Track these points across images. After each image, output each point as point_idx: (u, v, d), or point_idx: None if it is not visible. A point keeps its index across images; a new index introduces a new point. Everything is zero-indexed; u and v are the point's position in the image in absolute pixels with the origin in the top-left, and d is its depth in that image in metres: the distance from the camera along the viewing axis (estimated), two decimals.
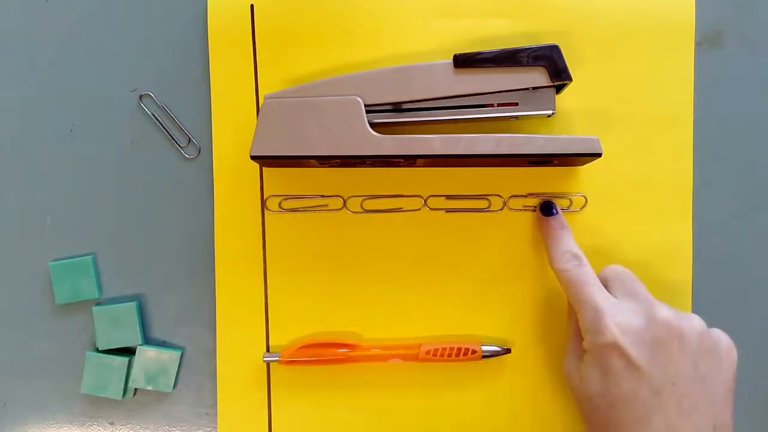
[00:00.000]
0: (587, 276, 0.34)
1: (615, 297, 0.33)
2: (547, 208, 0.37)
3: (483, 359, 0.37)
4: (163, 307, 0.39)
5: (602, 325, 0.32)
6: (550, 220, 0.37)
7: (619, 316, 0.32)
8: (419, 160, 0.36)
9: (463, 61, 0.34)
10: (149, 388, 0.39)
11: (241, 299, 0.39)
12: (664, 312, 0.32)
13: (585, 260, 0.35)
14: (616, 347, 0.31)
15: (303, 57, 0.38)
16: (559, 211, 0.37)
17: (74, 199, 0.39)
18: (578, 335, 0.34)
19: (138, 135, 0.39)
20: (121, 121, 0.39)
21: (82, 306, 0.39)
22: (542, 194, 0.38)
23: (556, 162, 0.37)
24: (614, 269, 0.35)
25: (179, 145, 0.39)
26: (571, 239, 0.36)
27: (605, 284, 0.34)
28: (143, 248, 0.39)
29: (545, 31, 0.38)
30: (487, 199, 0.39)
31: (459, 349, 0.37)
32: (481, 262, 0.39)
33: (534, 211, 0.38)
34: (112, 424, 0.40)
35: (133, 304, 0.39)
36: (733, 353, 0.32)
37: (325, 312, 0.39)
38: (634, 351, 0.31)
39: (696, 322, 0.32)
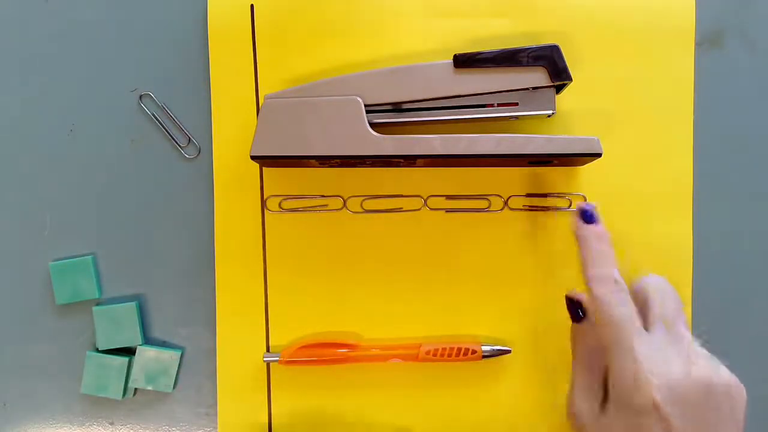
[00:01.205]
0: (625, 311, 0.30)
1: (652, 325, 0.30)
2: (587, 215, 0.32)
3: (483, 359, 0.37)
4: (163, 307, 0.39)
5: (640, 381, 0.28)
6: (590, 230, 0.32)
7: (657, 368, 0.28)
8: (419, 160, 0.36)
9: (463, 61, 0.34)
10: (149, 388, 0.39)
11: (241, 299, 0.39)
12: (702, 369, 0.29)
13: (623, 284, 0.31)
14: (655, 409, 0.28)
15: (303, 57, 0.38)
16: (600, 219, 0.32)
17: (74, 199, 0.39)
18: (593, 370, 0.32)
19: (138, 135, 0.39)
20: (121, 121, 0.39)
21: (82, 306, 0.39)
22: (542, 194, 0.38)
23: (556, 162, 0.37)
24: (657, 283, 0.32)
25: (179, 145, 0.39)
26: (611, 256, 0.32)
27: (642, 296, 0.31)
28: (143, 248, 0.39)
29: (545, 31, 0.38)
30: (487, 199, 0.39)
31: (459, 349, 0.37)
32: (481, 262, 0.39)
33: (531, 210, 0.38)
34: (112, 424, 0.40)
35: (133, 304, 0.39)
36: (743, 393, 0.30)
37: (325, 312, 0.39)
38: (675, 419, 0.28)
39: (725, 376, 0.30)
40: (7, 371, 0.40)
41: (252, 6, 0.38)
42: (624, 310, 0.30)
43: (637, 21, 0.38)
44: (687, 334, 0.30)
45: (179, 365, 0.39)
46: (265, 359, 0.38)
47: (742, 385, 0.30)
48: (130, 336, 0.39)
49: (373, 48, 0.38)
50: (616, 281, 0.31)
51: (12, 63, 0.39)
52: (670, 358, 0.29)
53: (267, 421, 0.39)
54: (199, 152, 0.39)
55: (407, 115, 0.36)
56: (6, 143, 0.40)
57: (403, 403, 0.39)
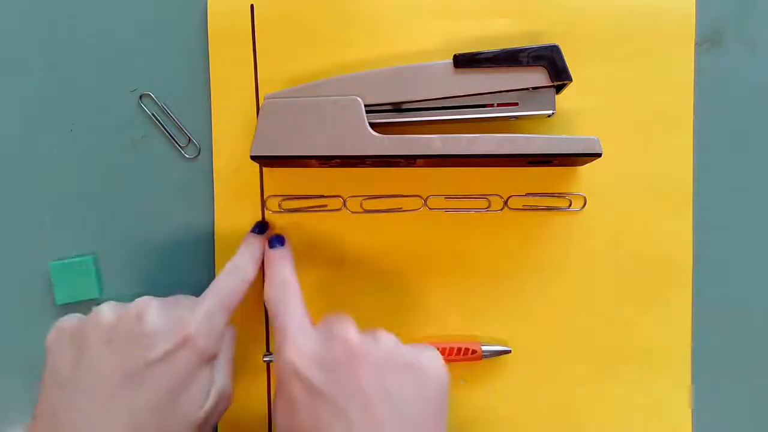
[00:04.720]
0: (288, 303, 0.33)
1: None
2: (268, 236, 0.37)
3: (483, 359, 0.37)
4: None
5: (282, 350, 0.30)
6: (274, 251, 0.36)
7: (300, 341, 0.31)
8: (419, 160, 0.36)
9: (463, 61, 0.34)
10: None
11: None
12: (338, 330, 0.30)
13: (293, 287, 0.34)
14: (295, 372, 0.29)
15: (303, 57, 0.38)
16: (285, 243, 0.37)
17: (74, 199, 0.39)
18: None
19: (138, 135, 0.39)
20: (121, 121, 0.39)
21: (82, 306, 0.39)
22: (542, 194, 0.38)
23: (556, 162, 0.37)
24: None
25: (179, 145, 0.39)
26: (287, 268, 0.35)
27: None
28: (143, 248, 0.39)
29: (545, 31, 0.38)
30: (487, 199, 0.39)
31: (459, 349, 0.37)
32: (481, 262, 0.39)
33: (531, 210, 0.38)
34: None
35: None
36: (435, 368, 0.30)
37: (324, 312, 0.38)
38: (311, 373, 0.29)
39: (383, 339, 0.31)
40: (7, 371, 0.40)
41: (252, 6, 0.38)
42: (287, 296, 0.34)
43: (637, 21, 0.38)
44: (344, 321, 0.32)
45: None
46: (265, 359, 0.38)
47: (432, 355, 0.31)
48: None
49: (373, 48, 0.38)
50: (285, 281, 0.34)
51: (12, 63, 0.39)
52: (315, 333, 0.31)
53: (267, 421, 0.39)
54: (199, 152, 0.39)
55: (407, 115, 0.36)
56: (6, 143, 0.40)
57: None
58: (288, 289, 0.34)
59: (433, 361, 0.31)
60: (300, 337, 0.31)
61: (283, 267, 0.35)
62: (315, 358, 0.30)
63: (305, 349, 0.30)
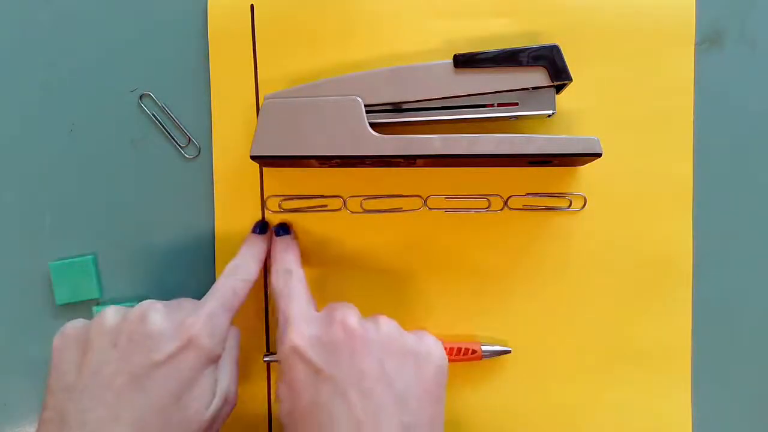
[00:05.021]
0: (291, 292, 0.33)
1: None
2: (269, 236, 0.38)
3: (483, 359, 0.37)
4: None
5: (284, 334, 0.31)
6: (279, 241, 0.37)
7: (302, 325, 0.31)
8: (419, 160, 0.36)
9: (463, 61, 0.34)
10: None
11: None
12: (340, 315, 0.31)
13: (297, 276, 0.35)
14: (297, 354, 0.30)
15: (303, 57, 0.38)
16: (291, 232, 0.38)
17: (74, 199, 0.39)
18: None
19: (138, 135, 0.39)
20: (121, 121, 0.39)
21: (82, 306, 0.39)
22: (542, 194, 0.38)
23: (556, 162, 0.37)
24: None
25: (179, 145, 0.39)
26: (291, 257, 0.36)
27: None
28: (143, 248, 0.39)
29: (545, 31, 0.38)
30: (487, 199, 0.39)
31: (459, 349, 0.37)
32: (481, 262, 0.39)
33: (531, 210, 0.38)
34: None
35: (132, 305, 0.38)
36: (436, 355, 0.31)
37: None
38: (313, 354, 0.30)
39: (384, 325, 0.31)
40: (7, 371, 0.40)
41: (252, 6, 0.38)
42: (290, 284, 0.34)
43: (637, 21, 0.38)
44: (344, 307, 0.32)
45: None
46: (265, 359, 0.38)
47: (429, 339, 0.32)
48: None
49: (373, 48, 0.38)
50: (287, 270, 0.35)
51: (12, 63, 0.39)
52: (316, 317, 0.32)
53: (267, 421, 0.39)
54: (199, 152, 0.39)
55: (407, 115, 0.36)
56: (6, 143, 0.40)
57: None
58: (292, 277, 0.34)
59: (432, 347, 0.32)
60: (303, 322, 0.31)
61: (287, 256, 0.36)
62: (317, 341, 0.30)
63: (307, 333, 0.31)
